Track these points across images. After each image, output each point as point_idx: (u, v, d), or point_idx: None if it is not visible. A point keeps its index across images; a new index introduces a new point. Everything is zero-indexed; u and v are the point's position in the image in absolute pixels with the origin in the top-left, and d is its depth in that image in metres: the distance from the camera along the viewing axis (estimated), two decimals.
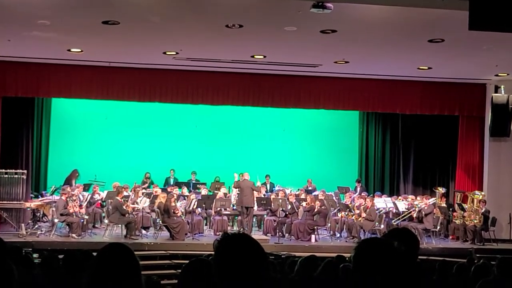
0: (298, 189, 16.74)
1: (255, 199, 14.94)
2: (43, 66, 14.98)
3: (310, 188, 17.38)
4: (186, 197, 15.36)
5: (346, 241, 14.52)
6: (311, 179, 17.77)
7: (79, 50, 13.59)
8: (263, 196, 15.61)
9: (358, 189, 17.51)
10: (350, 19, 10.39)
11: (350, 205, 15.33)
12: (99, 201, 15.39)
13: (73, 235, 13.38)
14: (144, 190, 15.69)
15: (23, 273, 4.57)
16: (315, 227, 14.54)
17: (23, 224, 13.71)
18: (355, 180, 18.19)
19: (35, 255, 8.90)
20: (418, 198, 15.76)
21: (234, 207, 15.35)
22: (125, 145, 18.66)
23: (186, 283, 2.79)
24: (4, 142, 15.43)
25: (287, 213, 14.90)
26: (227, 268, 2.41)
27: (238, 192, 15.11)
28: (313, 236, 14.45)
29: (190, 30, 11.58)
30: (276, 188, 17.11)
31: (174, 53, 13.71)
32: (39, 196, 15.84)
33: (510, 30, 7.81)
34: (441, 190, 16.61)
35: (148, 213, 14.57)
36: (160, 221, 14.05)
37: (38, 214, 14.67)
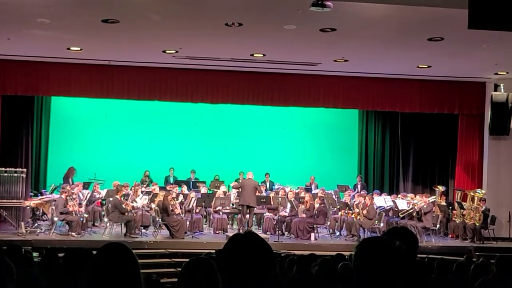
0: (298, 187, 16.74)
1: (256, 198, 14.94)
2: (42, 64, 14.97)
3: (312, 185, 17.39)
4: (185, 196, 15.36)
5: (345, 240, 14.53)
6: (314, 176, 17.77)
7: (79, 48, 13.59)
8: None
9: (359, 185, 17.52)
10: (350, 17, 10.39)
11: (349, 203, 15.33)
12: (99, 200, 15.41)
13: (73, 233, 13.39)
14: (143, 189, 15.70)
15: (22, 271, 4.57)
16: (314, 226, 14.55)
17: (22, 223, 13.71)
18: (358, 176, 18.22)
19: (34, 254, 8.91)
20: (417, 196, 15.77)
21: (234, 206, 15.36)
22: (124, 144, 18.65)
23: (186, 282, 2.79)
24: (3, 140, 15.43)
25: (287, 213, 14.94)
26: (235, 265, 2.44)
27: (238, 190, 15.09)
28: (312, 234, 14.46)
29: (189, 29, 11.58)
30: (276, 186, 17.12)
31: (174, 51, 13.71)
32: (39, 194, 15.85)
33: (509, 28, 7.80)
34: (441, 188, 16.62)
35: (147, 211, 14.57)
36: (160, 220, 14.05)
37: (38, 212, 14.67)
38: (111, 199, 14.16)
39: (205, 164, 18.27)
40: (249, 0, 9.81)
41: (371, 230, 14.34)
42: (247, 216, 14.71)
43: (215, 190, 15.93)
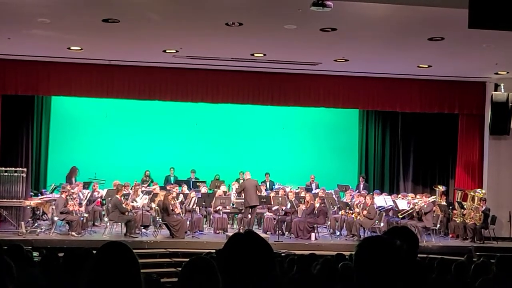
0: (298, 187, 16.74)
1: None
2: (43, 64, 14.97)
3: (313, 184, 17.39)
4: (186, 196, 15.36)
5: (346, 239, 14.52)
6: (314, 176, 17.76)
7: (79, 48, 13.59)
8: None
9: (361, 185, 17.51)
10: (350, 17, 10.39)
11: (350, 203, 15.33)
12: (99, 199, 15.41)
13: (73, 233, 13.38)
14: (144, 188, 15.69)
15: (22, 271, 4.57)
16: (315, 225, 14.54)
17: (23, 223, 13.71)
18: (360, 176, 18.18)
19: (35, 254, 8.90)
20: (417, 196, 15.76)
21: (234, 206, 15.35)
22: (125, 143, 18.65)
23: (186, 281, 2.79)
24: (4, 140, 15.44)
25: (285, 211, 14.92)
26: (236, 265, 2.44)
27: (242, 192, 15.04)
28: (313, 234, 14.45)
29: (189, 29, 11.58)
30: (276, 186, 17.12)
31: (174, 51, 13.71)
32: (39, 194, 15.85)
33: (509, 28, 7.80)
34: (441, 188, 16.62)
35: (147, 211, 14.57)
36: (160, 219, 14.05)
37: (38, 212, 14.67)
38: (111, 198, 14.17)
39: (205, 164, 18.27)
40: (249, 0, 9.81)
41: (371, 230, 14.33)
42: (249, 215, 14.69)
43: (215, 189, 15.93)
